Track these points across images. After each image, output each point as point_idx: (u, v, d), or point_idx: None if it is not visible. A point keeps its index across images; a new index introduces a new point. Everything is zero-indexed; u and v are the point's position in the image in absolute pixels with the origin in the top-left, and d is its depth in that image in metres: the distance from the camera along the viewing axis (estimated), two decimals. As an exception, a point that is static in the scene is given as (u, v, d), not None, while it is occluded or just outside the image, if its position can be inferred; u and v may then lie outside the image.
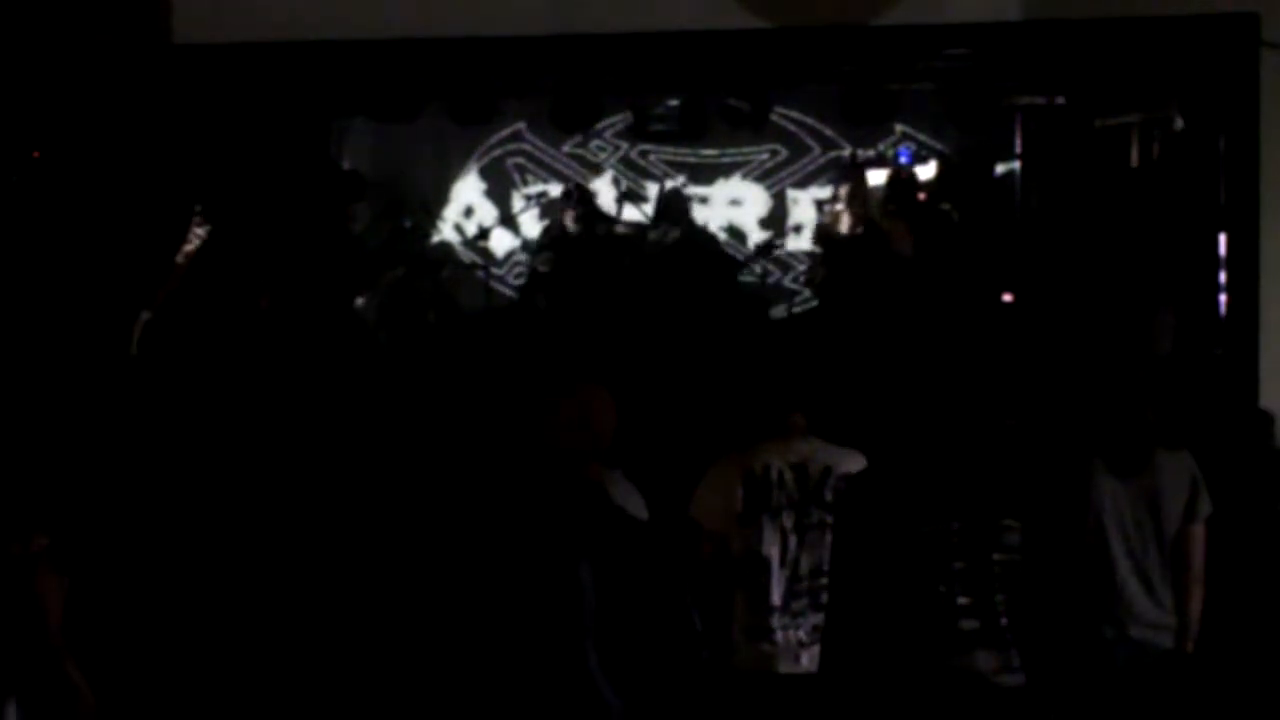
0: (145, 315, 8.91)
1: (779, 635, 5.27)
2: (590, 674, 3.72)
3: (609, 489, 5.11)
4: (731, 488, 5.34)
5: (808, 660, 5.24)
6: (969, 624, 4.44)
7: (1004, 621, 4.49)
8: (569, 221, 10.51)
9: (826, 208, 11.12)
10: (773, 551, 5.27)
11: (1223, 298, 8.79)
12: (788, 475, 5.30)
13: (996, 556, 4.49)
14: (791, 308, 11.20)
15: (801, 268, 11.88)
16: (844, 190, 10.22)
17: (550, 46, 9.29)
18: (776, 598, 5.27)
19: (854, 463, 5.29)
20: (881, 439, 5.05)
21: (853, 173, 10.73)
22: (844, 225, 10.01)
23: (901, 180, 10.36)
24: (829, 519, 5.20)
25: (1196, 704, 5.71)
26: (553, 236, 10.81)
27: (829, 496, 5.24)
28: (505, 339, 9.45)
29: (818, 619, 5.19)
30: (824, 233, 10.35)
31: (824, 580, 5.16)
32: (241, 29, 9.06)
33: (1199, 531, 5.62)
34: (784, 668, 5.26)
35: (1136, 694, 5.50)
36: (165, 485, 6.42)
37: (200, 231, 9.49)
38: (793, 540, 5.27)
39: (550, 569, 3.77)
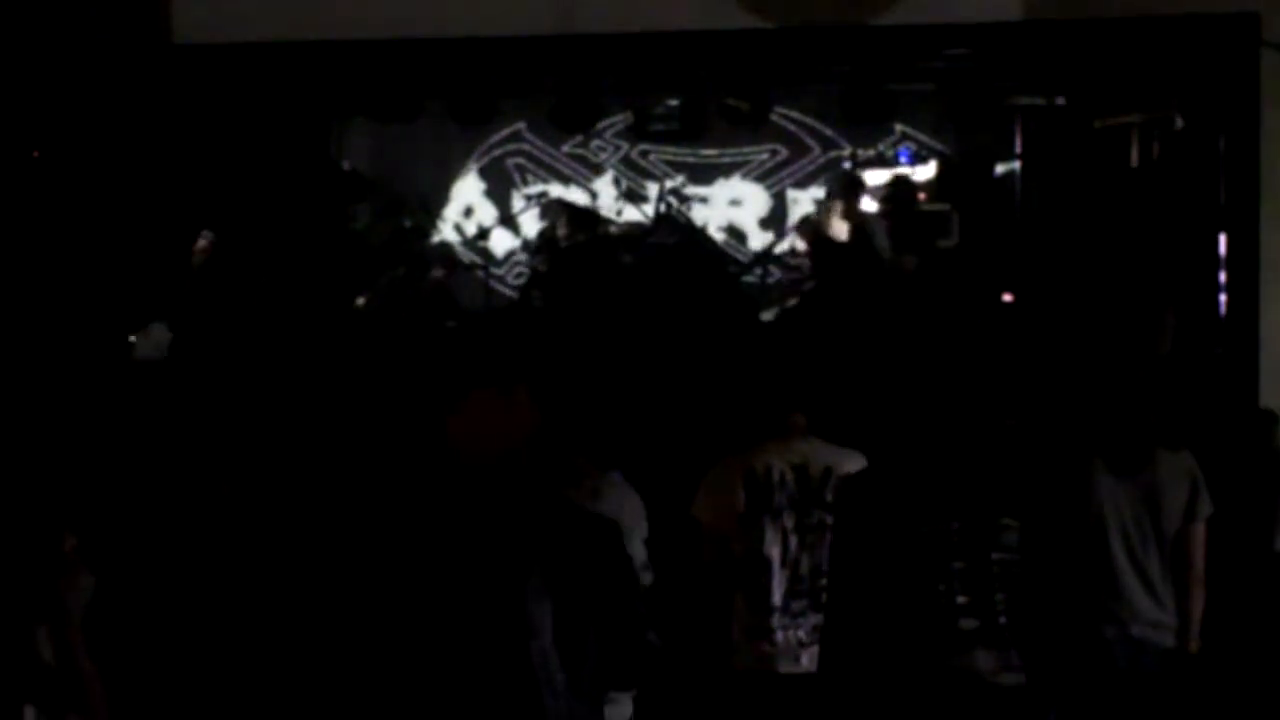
0: (154, 320, 8.93)
1: (779, 635, 5.26)
2: (550, 678, 3.71)
3: (607, 490, 5.13)
4: (733, 488, 5.33)
5: (808, 660, 5.22)
6: (968, 623, 4.44)
7: (1003, 621, 4.49)
8: (561, 230, 10.49)
9: (823, 209, 11.13)
10: (773, 552, 5.25)
11: (1223, 298, 8.79)
12: (789, 476, 5.28)
13: (996, 556, 4.48)
14: (792, 307, 11.20)
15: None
16: (842, 194, 10.18)
17: (550, 46, 9.29)
18: (777, 598, 5.25)
19: (855, 463, 5.28)
20: (882, 439, 5.04)
21: (851, 175, 10.72)
22: (843, 228, 9.97)
23: (900, 182, 10.36)
24: (829, 519, 5.20)
25: (1197, 703, 5.71)
26: (551, 238, 10.81)
27: (829, 497, 5.24)
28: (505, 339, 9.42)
29: (818, 619, 5.18)
30: (821, 233, 10.32)
31: (824, 580, 5.15)
32: (241, 29, 9.06)
33: (1199, 531, 5.61)
34: (784, 668, 5.25)
35: (1137, 693, 5.49)
36: (179, 485, 6.42)
37: (206, 234, 9.50)
38: (793, 540, 5.26)
39: (501, 578, 3.74)
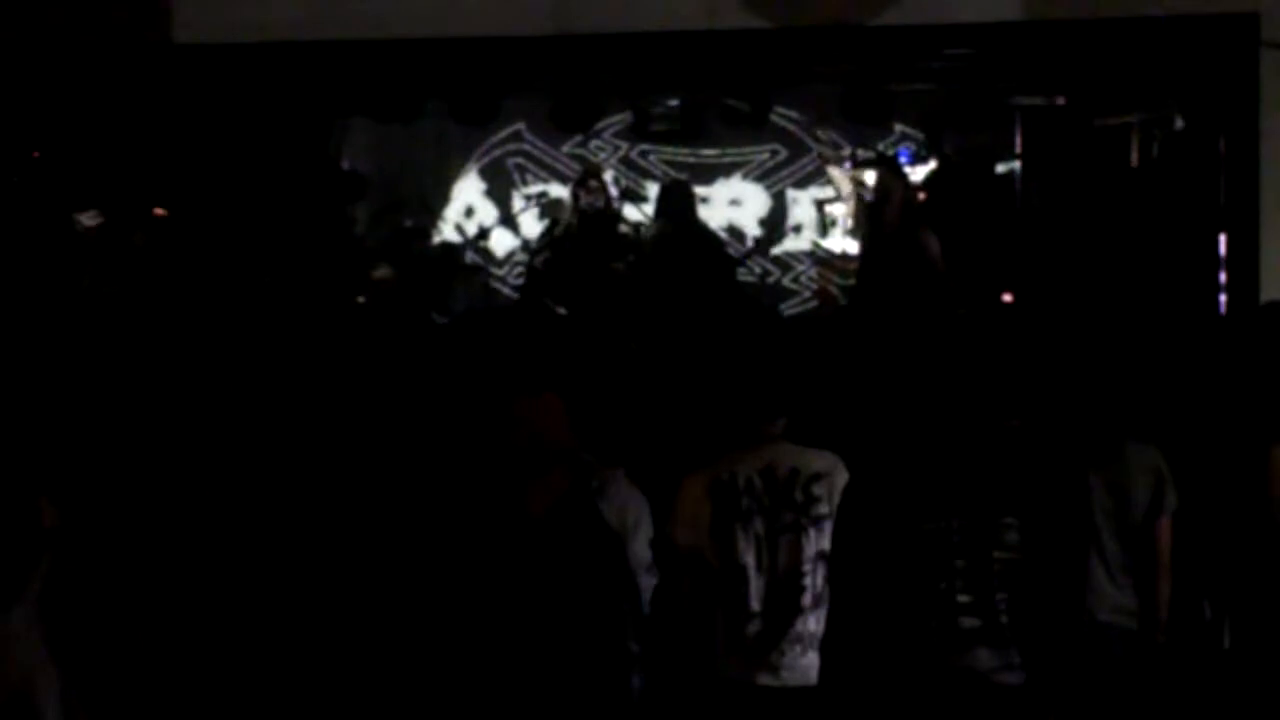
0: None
1: (761, 644, 5.15)
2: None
3: (611, 488, 5.11)
4: (700, 501, 5.24)
5: (790, 666, 5.14)
6: (969, 622, 4.45)
7: (1004, 620, 4.50)
8: (583, 195, 10.39)
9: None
10: (748, 559, 5.17)
11: (1223, 298, 8.79)
12: (756, 481, 5.20)
13: (997, 555, 4.49)
14: (790, 308, 11.21)
15: (801, 267, 11.90)
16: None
17: (550, 46, 9.28)
18: (755, 604, 5.16)
19: (824, 462, 5.21)
20: (883, 437, 5.04)
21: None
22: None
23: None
24: (801, 520, 5.14)
25: (1167, 687, 5.77)
26: (553, 236, 10.78)
27: (799, 498, 5.17)
28: (505, 339, 9.43)
29: (801, 624, 5.11)
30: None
31: (803, 583, 5.11)
32: (241, 29, 9.05)
33: (1165, 525, 5.72)
34: (764, 679, 5.14)
35: (1105, 677, 5.54)
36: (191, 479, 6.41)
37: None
38: (766, 545, 5.18)
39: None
